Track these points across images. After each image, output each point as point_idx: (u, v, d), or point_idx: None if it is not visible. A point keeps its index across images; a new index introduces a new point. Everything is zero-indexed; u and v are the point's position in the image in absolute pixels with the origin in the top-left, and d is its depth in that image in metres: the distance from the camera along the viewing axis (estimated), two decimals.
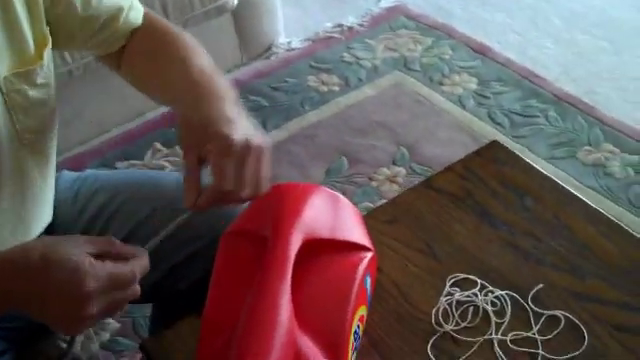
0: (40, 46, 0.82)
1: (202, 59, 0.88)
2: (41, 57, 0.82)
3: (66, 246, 0.67)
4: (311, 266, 0.77)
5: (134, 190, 0.98)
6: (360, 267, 0.79)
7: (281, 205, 0.80)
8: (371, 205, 1.78)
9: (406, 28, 2.45)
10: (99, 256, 0.68)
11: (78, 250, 0.66)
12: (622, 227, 0.99)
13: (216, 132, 0.75)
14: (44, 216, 0.93)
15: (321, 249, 0.79)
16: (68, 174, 1.03)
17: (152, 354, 0.87)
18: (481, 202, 1.02)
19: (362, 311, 0.80)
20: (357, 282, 0.77)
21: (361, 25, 2.47)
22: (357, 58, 2.33)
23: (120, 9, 0.91)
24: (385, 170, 1.92)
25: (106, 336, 1.54)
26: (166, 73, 0.88)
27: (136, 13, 0.93)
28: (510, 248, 0.96)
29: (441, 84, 2.19)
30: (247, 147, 0.75)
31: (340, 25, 2.47)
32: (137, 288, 0.70)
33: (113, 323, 1.55)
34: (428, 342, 0.85)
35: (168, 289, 0.97)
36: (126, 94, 2.16)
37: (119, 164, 2.02)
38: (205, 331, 0.76)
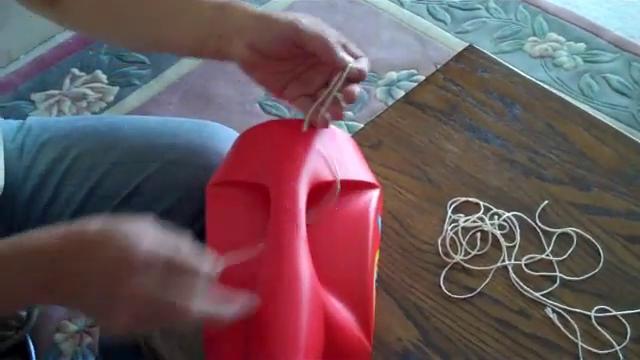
0: None
1: None
2: None
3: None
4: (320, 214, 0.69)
5: (88, 140, 0.85)
6: (371, 209, 0.71)
7: (276, 148, 0.70)
8: None
9: None
10: None
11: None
12: (616, 130, 0.95)
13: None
14: None
15: (327, 192, 0.70)
16: (7, 123, 0.88)
17: None
18: (468, 115, 0.95)
19: (378, 256, 0.72)
20: (371, 226, 0.69)
21: None
22: None
23: None
24: None
25: None
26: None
27: None
28: (507, 164, 0.90)
29: None
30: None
31: None
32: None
33: None
34: (439, 275, 0.79)
35: None
36: (29, 14, 1.97)
37: (35, 96, 1.83)
38: None
